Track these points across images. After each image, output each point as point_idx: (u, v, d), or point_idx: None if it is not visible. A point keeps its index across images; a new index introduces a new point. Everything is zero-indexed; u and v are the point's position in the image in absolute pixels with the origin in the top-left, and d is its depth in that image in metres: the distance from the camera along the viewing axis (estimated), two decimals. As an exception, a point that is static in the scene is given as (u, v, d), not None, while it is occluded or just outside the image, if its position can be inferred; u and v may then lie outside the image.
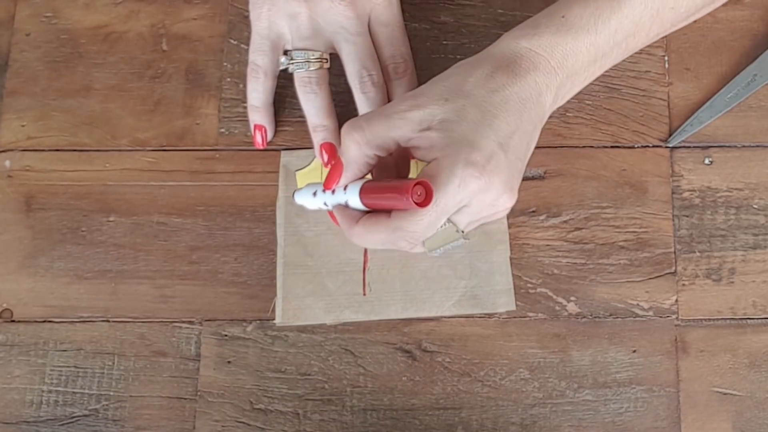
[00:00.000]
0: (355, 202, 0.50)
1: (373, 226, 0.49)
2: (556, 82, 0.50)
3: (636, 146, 0.59)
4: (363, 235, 0.50)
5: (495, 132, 0.47)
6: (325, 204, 0.53)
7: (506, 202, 0.49)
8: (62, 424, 0.56)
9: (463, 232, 0.49)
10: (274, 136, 0.60)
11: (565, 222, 0.58)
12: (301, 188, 0.57)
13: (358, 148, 0.49)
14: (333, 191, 0.52)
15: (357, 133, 0.49)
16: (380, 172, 0.52)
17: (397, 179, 0.52)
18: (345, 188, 0.51)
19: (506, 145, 0.48)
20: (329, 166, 0.57)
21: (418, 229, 0.47)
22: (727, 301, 0.57)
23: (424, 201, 0.45)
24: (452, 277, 0.57)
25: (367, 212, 0.51)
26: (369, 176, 0.52)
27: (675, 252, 0.57)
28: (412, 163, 0.55)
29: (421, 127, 0.48)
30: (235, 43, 0.62)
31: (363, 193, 0.50)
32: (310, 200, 0.55)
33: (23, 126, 0.61)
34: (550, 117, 0.53)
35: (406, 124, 0.48)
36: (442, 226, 0.48)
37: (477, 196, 0.47)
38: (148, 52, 0.62)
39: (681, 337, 0.56)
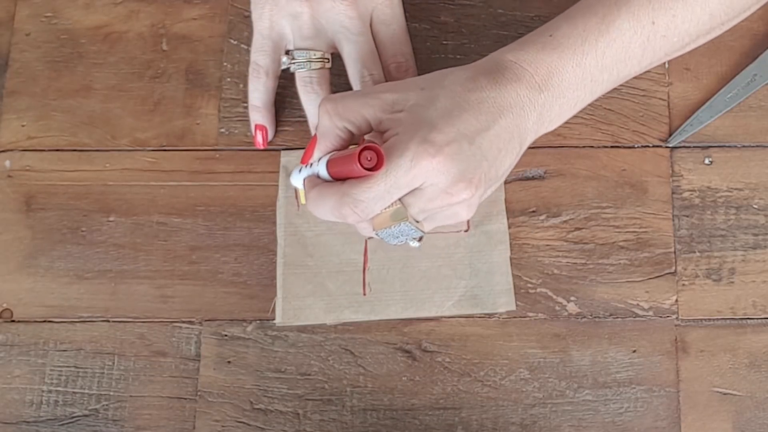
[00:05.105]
0: (324, 172, 0.51)
1: (326, 190, 0.49)
2: (540, 99, 0.49)
3: (636, 146, 0.59)
4: (316, 200, 0.50)
5: (461, 123, 0.47)
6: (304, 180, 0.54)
7: (462, 191, 0.48)
8: (62, 424, 0.56)
9: (416, 221, 0.49)
10: (275, 136, 0.60)
11: (565, 222, 0.58)
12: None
13: (329, 119, 0.50)
14: (310, 165, 0.52)
15: (330, 104, 0.50)
16: None
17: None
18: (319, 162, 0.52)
19: (472, 138, 0.47)
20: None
21: (365, 197, 0.47)
22: (727, 301, 0.57)
23: (375, 167, 0.46)
24: (452, 277, 0.57)
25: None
26: None
27: (675, 252, 0.57)
28: None
29: (393, 109, 0.49)
30: (236, 43, 0.62)
31: (329, 162, 0.50)
32: (297, 178, 0.55)
33: (23, 126, 0.61)
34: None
35: (379, 103, 0.49)
36: (392, 205, 0.48)
37: (430, 178, 0.47)
38: (148, 52, 0.62)
39: (681, 337, 0.56)
